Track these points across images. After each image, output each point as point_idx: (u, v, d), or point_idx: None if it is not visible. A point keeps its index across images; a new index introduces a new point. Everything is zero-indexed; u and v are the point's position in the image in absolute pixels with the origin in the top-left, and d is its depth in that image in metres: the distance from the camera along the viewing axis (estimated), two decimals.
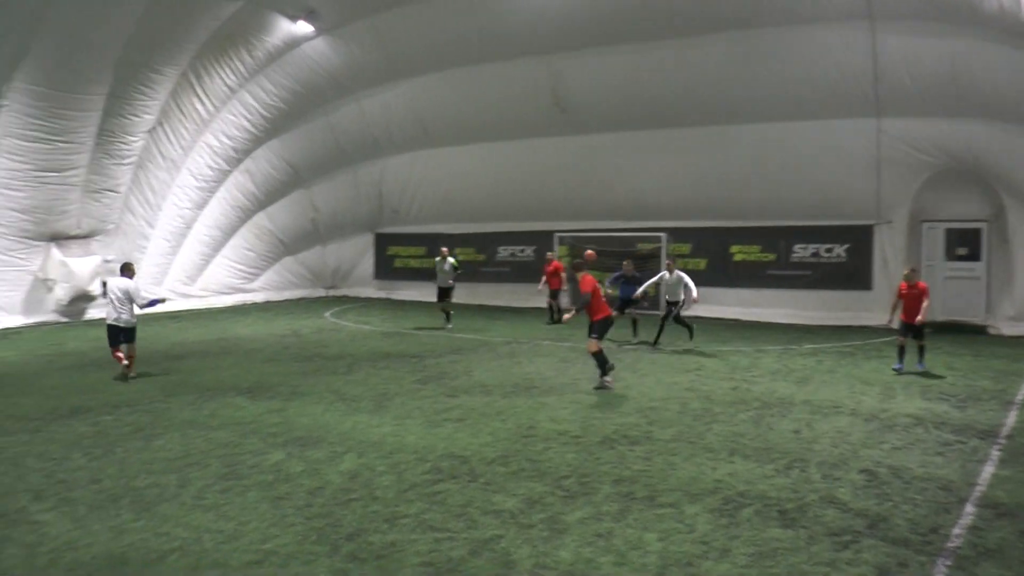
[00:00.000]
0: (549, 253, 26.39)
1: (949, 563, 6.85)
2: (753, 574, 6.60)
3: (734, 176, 24.70)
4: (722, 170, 24.82)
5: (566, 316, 14.85)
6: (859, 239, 23.62)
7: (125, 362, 15.10)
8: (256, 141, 28.39)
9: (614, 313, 15.25)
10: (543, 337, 20.85)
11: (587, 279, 14.01)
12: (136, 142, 24.64)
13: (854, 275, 23.59)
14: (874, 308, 22.87)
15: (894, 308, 16.27)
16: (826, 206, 23.73)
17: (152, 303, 15.79)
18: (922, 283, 16.14)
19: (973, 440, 10.89)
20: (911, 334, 15.95)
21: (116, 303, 15.14)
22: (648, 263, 26.13)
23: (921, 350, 16.15)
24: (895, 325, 16.34)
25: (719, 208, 25.45)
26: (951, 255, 22.81)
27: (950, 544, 7.27)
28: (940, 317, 22.45)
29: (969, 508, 8.24)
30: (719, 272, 25.71)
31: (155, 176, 25.96)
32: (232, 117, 27.20)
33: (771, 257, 25.02)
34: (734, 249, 25.60)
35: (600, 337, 14.12)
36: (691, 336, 19.36)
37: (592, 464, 9.68)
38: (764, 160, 24.04)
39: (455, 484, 8.92)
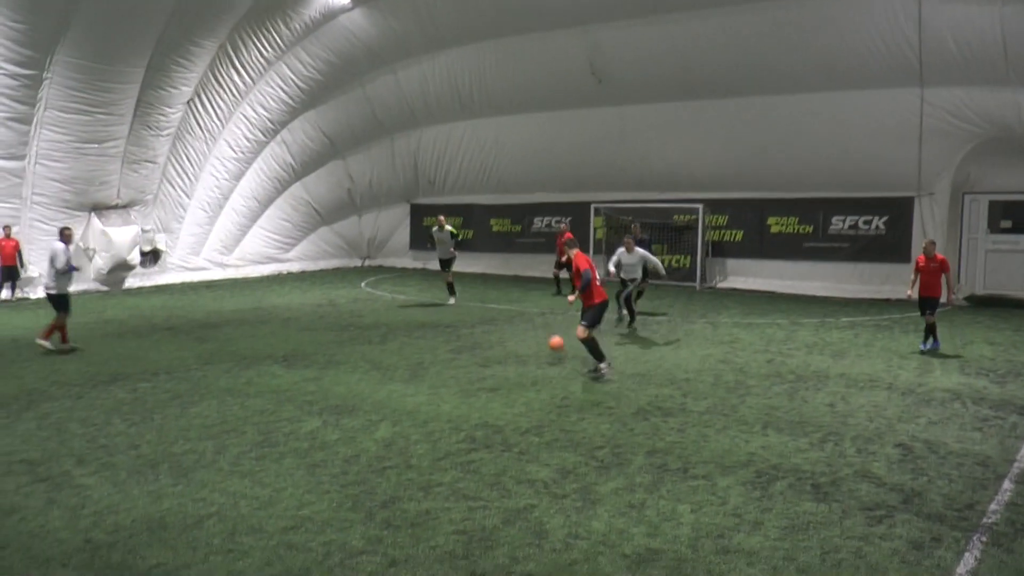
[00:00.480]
0: (562, 224, 25.96)
1: (985, 539, 6.79)
2: (785, 547, 6.59)
3: (772, 147, 24.41)
4: (760, 141, 24.53)
5: (571, 298, 13.37)
6: (899, 211, 23.28)
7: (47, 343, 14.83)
8: (292, 112, 28.49)
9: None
10: (578, 308, 20.78)
11: (582, 257, 12.98)
12: (174, 114, 24.83)
13: (893, 248, 23.27)
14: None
15: (913, 283, 15.40)
16: (865, 178, 23.38)
17: (71, 269, 15.01)
18: (940, 255, 15.33)
19: (1012, 416, 10.76)
20: (928, 309, 15.13)
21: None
22: (684, 235, 26.05)
23: (930, 328, 15.18)
24: (915, 297, 15.44)
25: (756, 179, 25.19)
26: (994, 228, 22.40)
27: (986, 520, 7.20)
28: (981, 291, 22.18)
29: (1007, 484, 8.14)
30: (756, 244, 25.53)
31: (192, 147, 26.17)
32: (269, 89, 27.30)
33: (808, 229, 24.75)
34: (771, 221, 25.36)
35: (593, 325, 12.86)
36: (631, 322, 18.03)
37: (626, 435, 9.70)
38: (803, 131, 23.72)
39: (489, 453, 8.97)
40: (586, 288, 12.74)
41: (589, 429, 9.93)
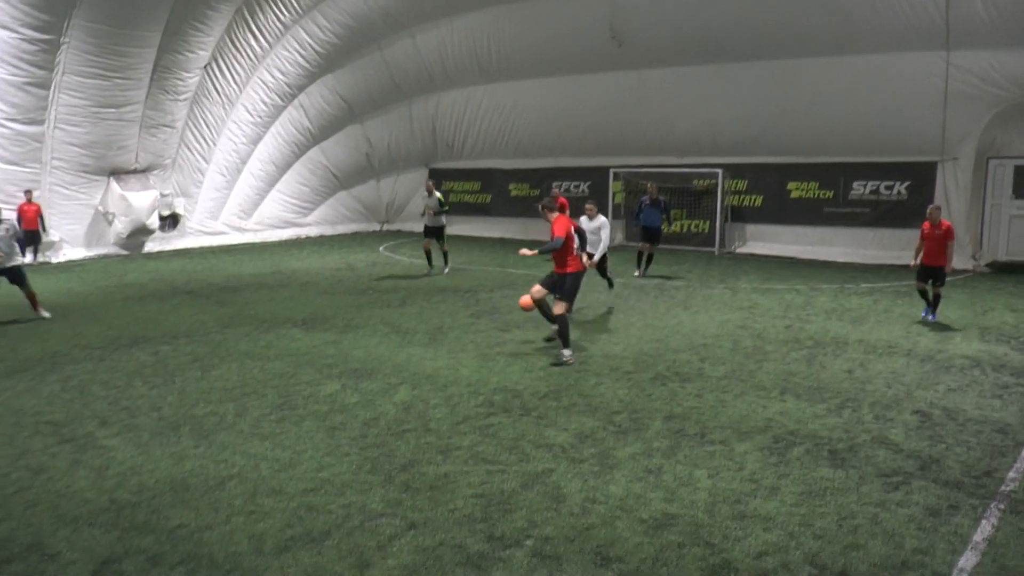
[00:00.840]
0: (554, 188, 25.15)
1: (1003, 507, 6.79)
2: (801, 513, 6.61)
3: (793, 111, 24.16)
4: (781, 105, 24.28)
5: (523, 251, 12.51)
6: (921, 176, 23.02)
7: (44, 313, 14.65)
8: (310, 77, 28.41)
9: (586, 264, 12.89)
10: (595, 273, 20.75)
11: (562, 221, 11.86)
12: (191, 78, 24.82)
13: (915, 213, 22.90)
14: None
15: (918, 251, 14.79)
16: (888, 142, 23.12)
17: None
18: (946, 222, 14.61)
19: None
20: (930, 279, 14.54)
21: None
22: (703, 200, 25.92)
23: (936, 299, 14.64)
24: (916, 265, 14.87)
25: (777, 144, 24.97)
26: (1019, 193, 22.14)
27: (1004, 488, 7.19)
28: (1004, 257, 21.97)
29: None
30: (775, 209, 25.36)
31: (210, 112, 26.19)
32: (286, 53, 27.21)
33: (829, 194, 24.54)
34: (791, 186, 25.17)
35: (570, 298, 11.90)
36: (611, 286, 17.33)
37: (643, 400, 9.72)
38: (825, 95, 23.44)
39: (507, 417, 9.02)
40: (551, 253, 11.91)
41: (607, 394, 9.96)
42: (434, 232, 20.72)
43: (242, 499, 6.76)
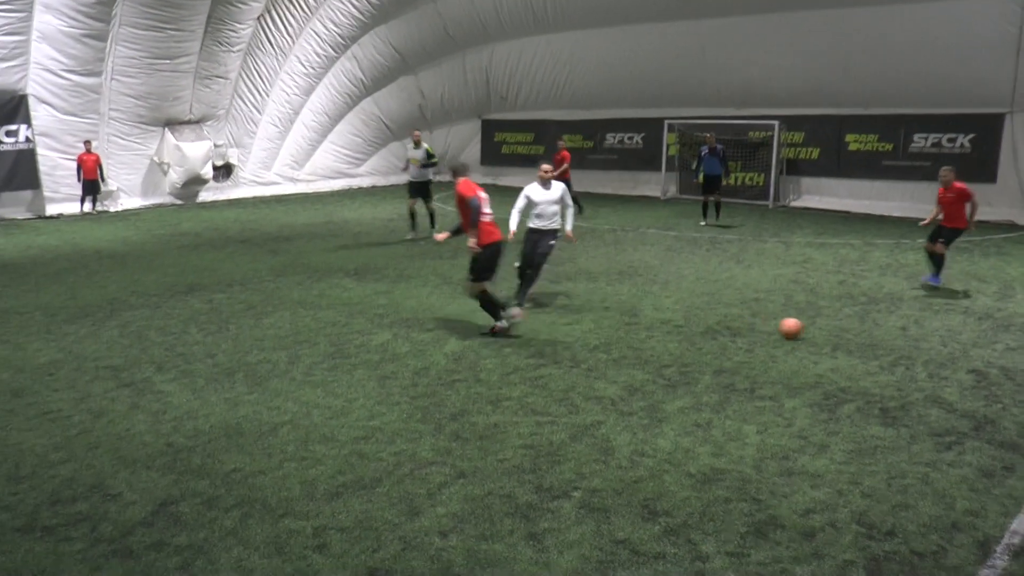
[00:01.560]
0: (560, 140, 24.36)
1: None
2: (851, 471, 6.56)
3: (853, 61, 23.55)
4: (841, 55, 23.68)
5: (438, 236, 11.01)
6: (987, 129, 22.35)
7: None
8: (363, 28, 28.30)
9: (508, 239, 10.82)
10: (649, 226, 20.67)
11: (467, 185, 10.38)
12: (244, 29, 24.88)
13: (979, 167, 22.37)
14: (997, 203, 21.79)
15: (935, 216, 13.89)
16: (952, 93, 22.42)
17: None
18: (959, 184, 13.64)
19: None
20: (942, 238, 13.55)
21: None
22: (758, 152, 25.52)
23: (940, 259, 13.64)
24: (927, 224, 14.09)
25: (836, 95, 24.40)
26: None
27: None
28: None
29: None
30: (832, 162, 24.87)
31: (263, 63, 26.27)
32: (339, 4, 27.11)
33: (888, 147, 23.99)
34: (849, 138, 24.64)
35: (482, 277, 10.41)
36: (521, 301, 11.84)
37: (694, 354, 9.69)
38: (887, 44, 22.79)
39: (557, 369, 9.05)
40: (460, 229, 10.69)
41: (657, 347, 9.94)
42: (420, 189, 18.74)
43: (294, 445, 6.89)
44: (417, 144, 18.81)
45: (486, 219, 10.24)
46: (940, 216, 13.79)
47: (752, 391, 8.43)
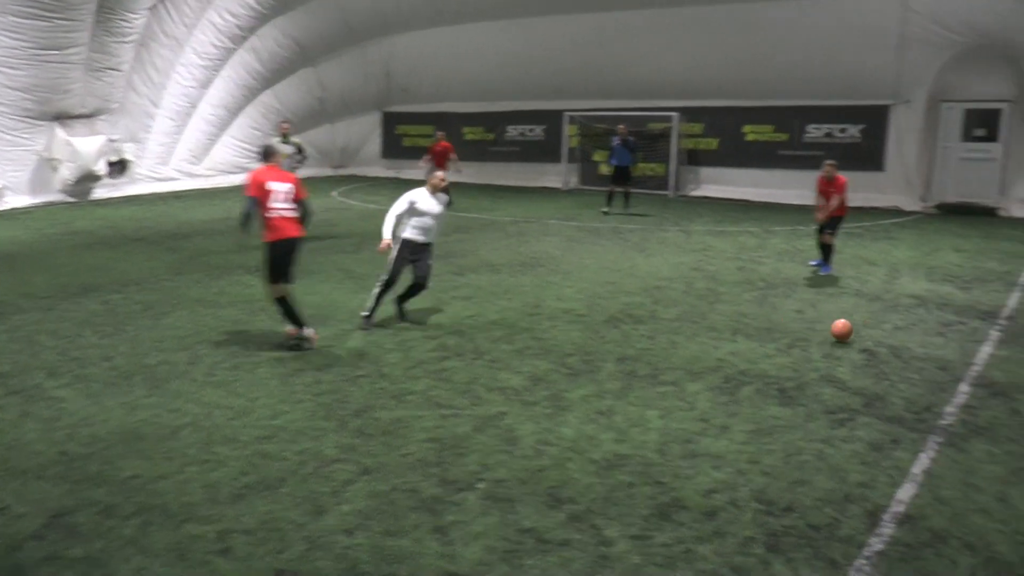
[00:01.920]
0: (439, 132, 24.10)
1: (940, 440, 7.01)
2: (750, 451, 6.76)
3: (748, 55, 24.17)
4: (738, 49, 24.28)
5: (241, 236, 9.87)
6: (874, 119, 23.24)
7: None
8: (262, 19, 27.75)
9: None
10: (551, 217, 20.82)
11: (260, 172, 9.40)
12: (137, 19, 24.11)
13: (867, 156, 23.29)
14: (886, 190, 22.75)
15: (822, 206, 14.08)
16: (842, 86, 23.25)
17: None
18: (841, 177, 13.99)
19: (974, 321, 10.98)
20: (828, 228, 13.97)
21: None
22: (658, 143, 25.93)
23: (828, 248, 14.07)
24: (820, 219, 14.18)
25: (733, 87, 25.00)
26: (968, 136, 22.47)
27: (942, 422, 7.43)
28: (952, 199, 22.35)
29: (964, 387, 8.38)
30: (731, 152, 25.53)
31: (158, 54, 25.53)
32: None
33: (784, 137, 24.72)
34: (747, 129, 25.29)
35: (275, 279, 9.44)
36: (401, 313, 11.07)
37: (596, 343, 9.82)
38: (781, 39, 23.48)
39: (461, 361, 9.07)
40: (246, 223, 9.56)
41: (560, 337, 10.04)
42: None
43: (196, 448, 6.75)
44: (285, 137, 17.06)
45: (278, 214, 9.24)
46: (822, 204, 14.08)
47: (654, 377, 8.59)
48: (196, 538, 5.35)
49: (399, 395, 7.98)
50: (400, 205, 10.28)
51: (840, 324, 10.06)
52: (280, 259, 9.36)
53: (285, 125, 17.85)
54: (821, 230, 14.09)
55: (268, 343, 9.73)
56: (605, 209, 21.31)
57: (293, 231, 9.40)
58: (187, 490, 6.02)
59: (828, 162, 14.41)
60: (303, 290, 12.40)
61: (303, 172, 31.23)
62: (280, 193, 9.32)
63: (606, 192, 21.93)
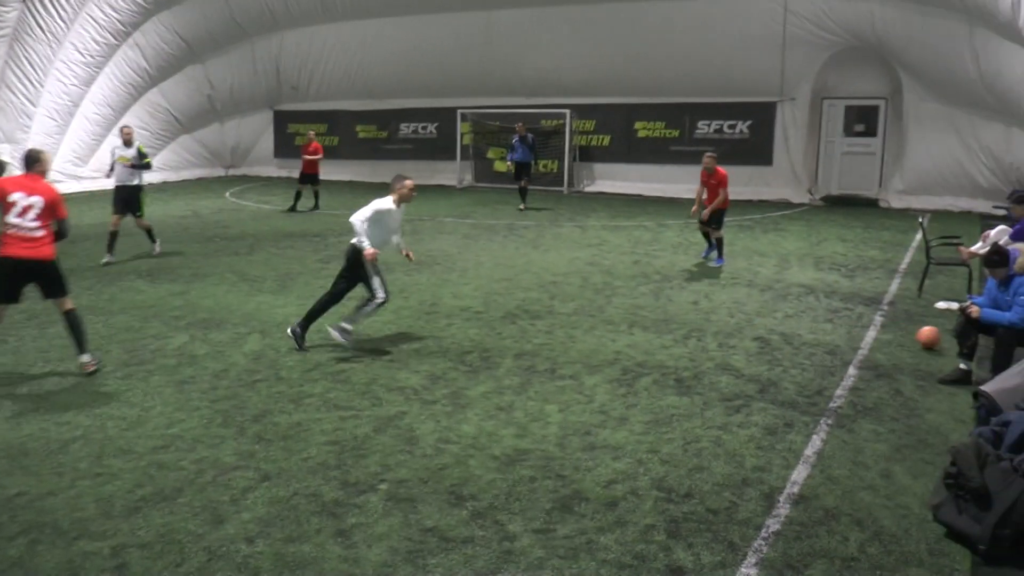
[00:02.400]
0: (310, 132, 23.69)
1: (831, 422, 7.29)
2: (649, 440, 6.89)
3: (640, 53, 24.56)
4: (628, 47, 24.65)
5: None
6: (762, 116, 23.94)
7: None
8: (144, 14, 26.93)
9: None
10: (447, 214, 20.81)
11: (3, 183, 8.57)
12: (8, 12, 23.11)
13: (756, 151, 23.98)
14: (774, 183, 23.50)
15: (699, 197, 14.41)
16: (730, 83, 23.88)
17: None
18: (721, 170, 14.17)
19: (859, 307, 11.43)
20: (713, 224, 14.30)
21: None
22: (551, 140, 26.15)
23: (718, 243, 14.42)
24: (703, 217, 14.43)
25: (624, 85, 25.39)
26: (849, 131, 23.38)
27: (832, 404, 7.73)
28: (836, 191, 23.22)
29: (852, 370, 8.73)
30: (623, 148, 25.91)
31: (34, 50, 24.50)
32: None
33: (675, 133, 25.22)
34: (638, 125, 25.72)
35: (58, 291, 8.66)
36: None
37: (494, 339, 9.86)
38: (670, 38, 23.94)
39: (359, 363, 9.00)
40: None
41: (458, 334, 10.06)
42: (127, 199, 15.33)
43: (88, 461, 6.53)
44: (128, 142, 15.47)
45: (15, 230, 8.24)
46: (705, 197, 14.32)
47: (553, 371, 8.68)
48: (89, 555, 5.17)
49: (297, 399, 7.87)
50: (367, 212, 9.24)
51: (927, 332, 9.67)
52: (3, 279, 8.36)
53: (127, 129, 16.05)
54: (703, 223, 14.44)
55: (162, 350, 9.48)
56: (521, 206, 21.76)
57: (28, 251, 8.28)
58: (79, 505, 5.82)
59: (708, 154, 14.65)
60: (197, 294, 12.16)
61: (194, 173, 30.66)
62: (24, 207, 8.26)
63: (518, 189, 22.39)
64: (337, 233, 17.99)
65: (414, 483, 6.13)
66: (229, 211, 21.98)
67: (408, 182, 9.58)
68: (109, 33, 26.22)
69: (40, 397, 7.99)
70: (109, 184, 15.56)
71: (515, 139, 22.23)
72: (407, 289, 12.51)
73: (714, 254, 14.59)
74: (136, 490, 6.03)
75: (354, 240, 9.27)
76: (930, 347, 9.52)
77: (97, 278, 13.48)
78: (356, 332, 9.66)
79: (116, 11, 25.94)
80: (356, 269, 9.50)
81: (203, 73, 30.53)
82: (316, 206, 21.84)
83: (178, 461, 6.51)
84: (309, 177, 21.96)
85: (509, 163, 22.50)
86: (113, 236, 15.05)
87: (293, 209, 21.48)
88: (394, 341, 9.80)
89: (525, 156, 22.07)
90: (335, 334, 9.43)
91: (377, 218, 9.34)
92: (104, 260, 14.83)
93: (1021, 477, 5.31)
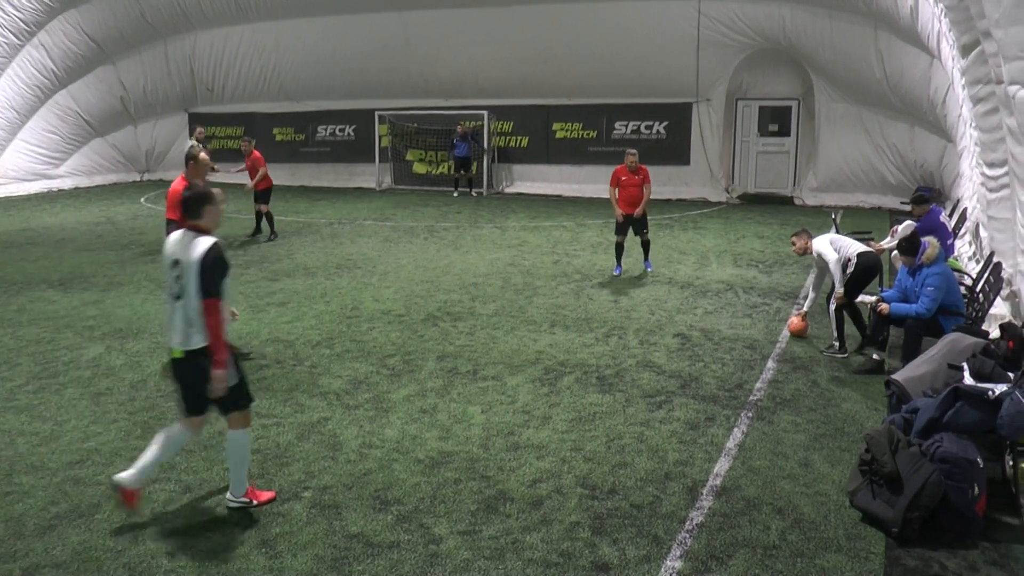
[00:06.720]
0: (244, 140, 20.01)
1: (751, 414, 7.47)
2: (573, 438, 6.95)
3: (557, 54, 24.69)
4: (545, 49, 24.76)
5: None
6: (678, 116, 24.29)
7: None
8: (49, 12, 26.06)
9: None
10: (366, 217, 20.67)
11: None
12: None
13: (674, 151, 24.33)
14: (692, 182, 23.90)
15: (615, 198, 13.78)
16: (647, 85, 24.17)
17: None
18: (645, 167, 13.72)
19: (777, 302, 11.70)
20: (632, 228, 13.62)
21: None
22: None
23: (646, 247, 13.97)
24: (620, 219, 13.69)
25: (541, 86, 25.51)
26: (763, 131, 23.90)
27: (752, 398, 7.91)
28: (752, 190, 23.68)
29: (770, 364, 8.95)
30: (541, 149, 26.03)
31: None
32: None
33: (592, 134, 25.43)
34: (556, 126, 25.86)
35: None
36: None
37: (416, 342, 9.84)
38: (587, 39, 24.10)
39: (281, 369, 8.90)
40: None
41: (380, 338, 10.02)
42: None
43: None
44: None
45: None
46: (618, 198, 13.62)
47: (475, 373, 8.70)
48: None
49: None
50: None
51: (795, 321, 10.18)
52: None
53: None
54: (622, 231, 13.64)
55: (76, 362, 9.24)
56: (455, 192, 25.09)
57: None
58: None
59: (630, 151, 14.08)
60: (113, 303, 11.87)
61: (107, 178, 29.88)
62: None
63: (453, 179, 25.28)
64: (256, 239, 17.74)
65: (338, 489, 6.09)
66: (146, 217, 21.48)
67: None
68: (11, 32, 25.31)
69: None
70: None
71: (455, 138, 24.68)
72: (328, 293, 12.40)
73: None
74: (50, 507, 5.87)
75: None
76: (800, 335, 10.05)
77: (4, 288, 13.05)
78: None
79: (17, 9, 25.02)
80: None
81: (115, 74, 29.73)
82: (272, 232, 18.19)
83: (95, 476, 6.36)
84: (259, 195, 18.04)
85: (455, 157, 25.08)
86: None
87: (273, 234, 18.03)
88: (316, 347, 9.71)
89: (464, 152, 24.80)
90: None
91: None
92: None
93: (929, 461, 5.52)
